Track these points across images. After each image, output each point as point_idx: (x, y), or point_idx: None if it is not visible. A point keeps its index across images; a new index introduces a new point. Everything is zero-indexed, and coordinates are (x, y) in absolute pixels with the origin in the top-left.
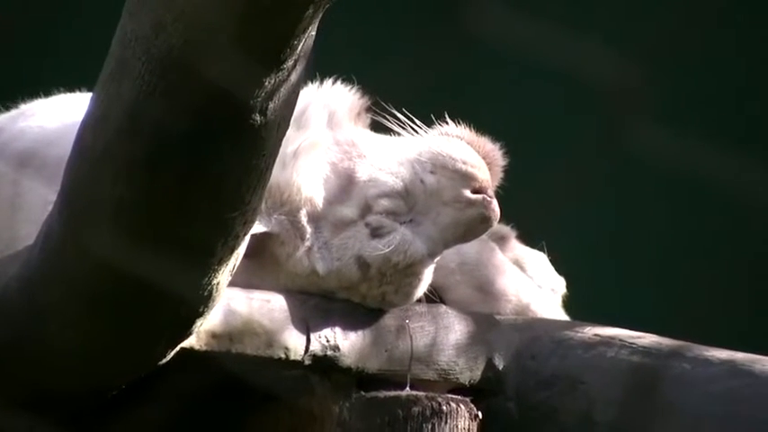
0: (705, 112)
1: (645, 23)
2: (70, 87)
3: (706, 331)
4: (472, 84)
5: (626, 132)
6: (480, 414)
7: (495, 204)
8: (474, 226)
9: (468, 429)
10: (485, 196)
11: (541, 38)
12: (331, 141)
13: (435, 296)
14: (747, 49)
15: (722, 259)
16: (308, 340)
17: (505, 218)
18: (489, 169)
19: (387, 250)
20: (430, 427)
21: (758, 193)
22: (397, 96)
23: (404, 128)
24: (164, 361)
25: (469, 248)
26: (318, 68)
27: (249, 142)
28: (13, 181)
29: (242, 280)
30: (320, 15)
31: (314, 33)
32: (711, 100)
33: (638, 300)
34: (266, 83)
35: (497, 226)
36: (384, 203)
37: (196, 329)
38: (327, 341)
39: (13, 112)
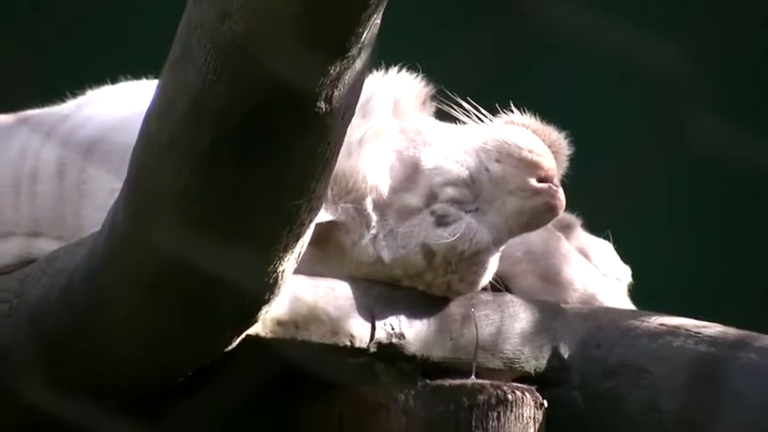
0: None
1: (710, 16)
2: (136, 74)
3: None
4: (536, 72)
5: (689, 121)
6: (545, 403)
7: (560, 193)
8: (539, 215)
9: (534, 418)
10: (550, 185)
11: (604, 27)
12: (396, 129)
13: (501, 285)
14: None
15: None
16: (373, 328)
17: (570, 206)
18: (555, 158)
19: (452, 239)
20: (495, 415)
21: None
22: (461, 85)
23: (469, 116)
24: (229, 348)
25: (535, 237)
26: (383, 57)
27: (314, 130)
28: (79, 168)
29: (307, 268)
30: (385, 3)
31: (378, 21)
32: None
33: (703, 289)
34: (331, 71)
35: (563, 214)
36: (449, 192)
37: (261, 317)
38: (392, 329)
39: (80, 99)
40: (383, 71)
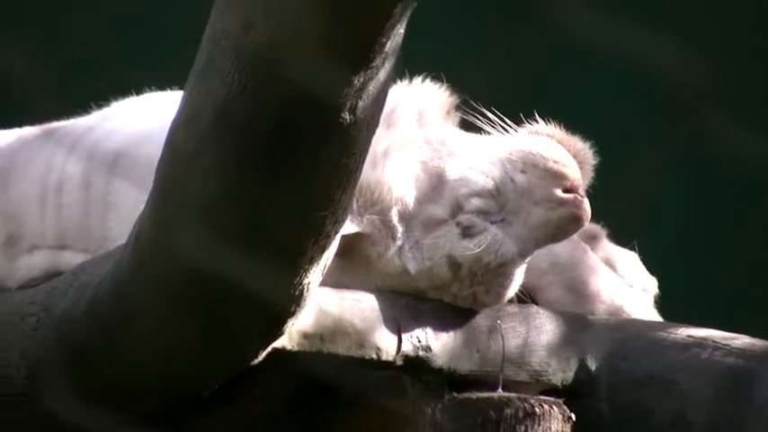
0: None
1: (729, 22)
2: (161, 85)
3: None
4: (561, 82)
5: (714, 130)
6: (573, 416)
7: (586, 203)
8: (565, 225)
9: (561, 431)
10: (576, 195)
11: (628, 37)
12: (421, 140)
13: (527, 297)
14: None
15: None
16: (400, 340)
17: (595, 217)
18: (580, 168)
19: (478, 250)
20: (523, 429)
21: None
22: (485, 95)
23: (494, 126)
24: (256, 361)
25: (561, 249)
26: (407, 66)
27: (339, 141)
28: (104, 180)
29: (332, 279)
30: (408, 13)
31: (402, 31)
32: None
33: (731, 300)
34: (355, 81)
35: (588, 225)
36: (475, 203)
37: (288, 329)
38: (419, 341)
39: (105, 111)
40: (407, 81)
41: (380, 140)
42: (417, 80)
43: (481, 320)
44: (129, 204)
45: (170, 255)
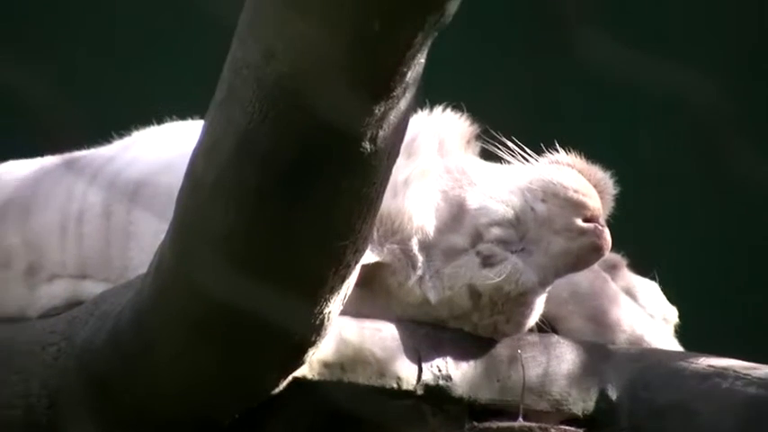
0: None
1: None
2: (182, 115)
3: None
4: (580, 112)
5: (736, 158)
6: None
7: (606, 233)
8: (586, 255)
9: None
10: (596, 225)
11: (647, 67)
12: (441, 169)
13: (547, 326)
14: None
15: None
16: (420, 369)
17: (616, 246)
18: (600, 198)
19: (498, 279)
20: None
21: None
22: (506, 124)
23: (514, 156)
24: (276, 390)
25: (582, 278)
26: (428, 96)
27: (359, 170)
28: (125, 210)
29: (352, 309)
30: (429, 43)
31: (423, 61)
32: None
33: (751, 330)
34: (376, 111)
35: (609, 255)
36: (495, 232)
37: (308, 358)
38: (439, 370)
39: (126, 141)
40: (428, 110)
41: (401, 170)
42: (438, 109)
43: (501, 350)
44: (149, 234)
45: (190, 284)
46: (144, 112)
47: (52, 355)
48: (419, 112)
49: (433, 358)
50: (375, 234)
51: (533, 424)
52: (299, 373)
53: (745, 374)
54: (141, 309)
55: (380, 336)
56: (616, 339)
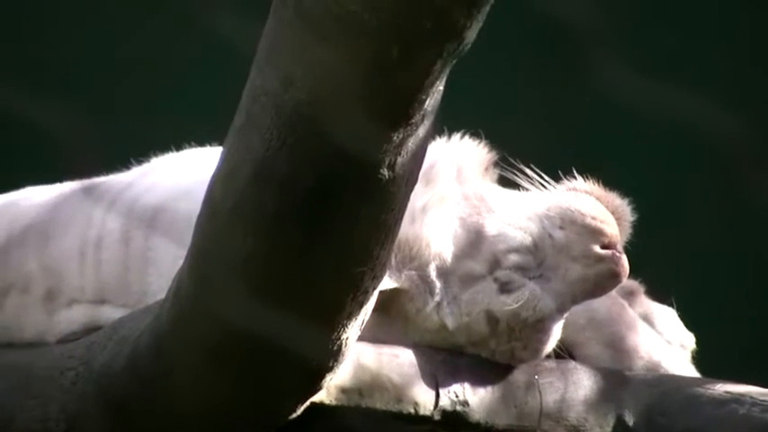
0: None
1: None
2: (201, 142)
3: None
4: (598, 139)
5: (752, 188)
6: None
7: (624, 260)
8: (603, 282)
9: None
10: (614, 252)
11: (665, 94)
12: (459, 196)
13: (564, 352)
14: None
15: None
16: (437, 395)
17: (633, 273)
18: (618, 224)
19: (516, 306)
20: None
21: None
22: (524, 151)
23: (532, 183)
24: (294, 415)
25: (599, 304)
26: (446, 123)
27: (377, 197)
28: (143, 236)
29: (370, 335)
30: (448, 70)
31: (441, 88)
32: None
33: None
34: (394, 138)
35: (626, 281)
36: (513, 258)
37: (326, 384)
38: (456, 396)
39: (145, 167)
40: (446, 138)
41: (419, 196)
42: (456, 137)
43: (519, 375)
44: (168, 260)
45: (208, 310)
46: (162, 138)
47: (70, 380)
48: (437, 139)
49: (450, 384)
50: (393, 260)
51: None
52: (316, 398)
53: (762, 401)
54: (160, 334)
55: (398, 361)
56: (633, 365)
